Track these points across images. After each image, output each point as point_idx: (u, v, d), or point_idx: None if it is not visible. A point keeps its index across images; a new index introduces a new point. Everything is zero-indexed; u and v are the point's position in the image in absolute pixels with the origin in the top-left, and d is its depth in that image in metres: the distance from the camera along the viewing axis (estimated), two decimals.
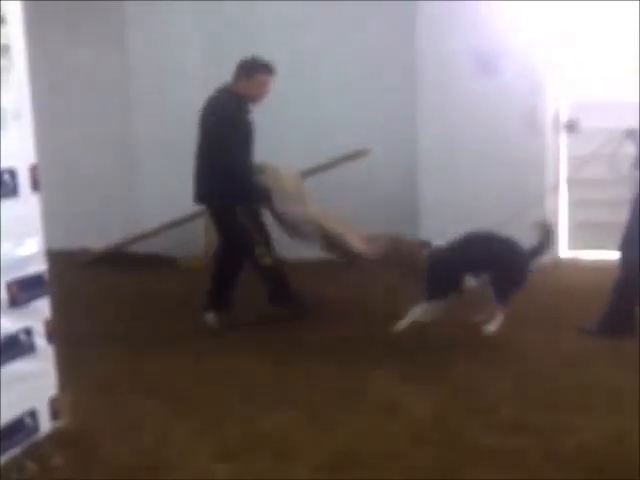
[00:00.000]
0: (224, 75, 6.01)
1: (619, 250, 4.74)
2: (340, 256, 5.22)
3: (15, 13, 3.27)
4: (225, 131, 4.91)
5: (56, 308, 3.53)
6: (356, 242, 5.01)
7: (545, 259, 6.19)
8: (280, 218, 5.16)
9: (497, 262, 4.60)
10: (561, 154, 6.67)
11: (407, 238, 4.99)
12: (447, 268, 4.63)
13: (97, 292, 6.15)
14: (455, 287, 4.66)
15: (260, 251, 5.09)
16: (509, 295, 4.62)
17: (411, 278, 4.73)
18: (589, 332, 4.68)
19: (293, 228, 5.17)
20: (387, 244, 4.85)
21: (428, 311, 4.61)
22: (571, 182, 6.46)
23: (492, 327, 4.57)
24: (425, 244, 4.87)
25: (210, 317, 5.14)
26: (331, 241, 5.09)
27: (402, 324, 4.58)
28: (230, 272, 5.20)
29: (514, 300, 4.68)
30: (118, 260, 6.85)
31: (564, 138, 6.67)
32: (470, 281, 4.67)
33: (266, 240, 5.15)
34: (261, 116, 5.90)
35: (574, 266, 6.53)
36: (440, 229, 5.11)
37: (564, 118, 6.63)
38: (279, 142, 6.76)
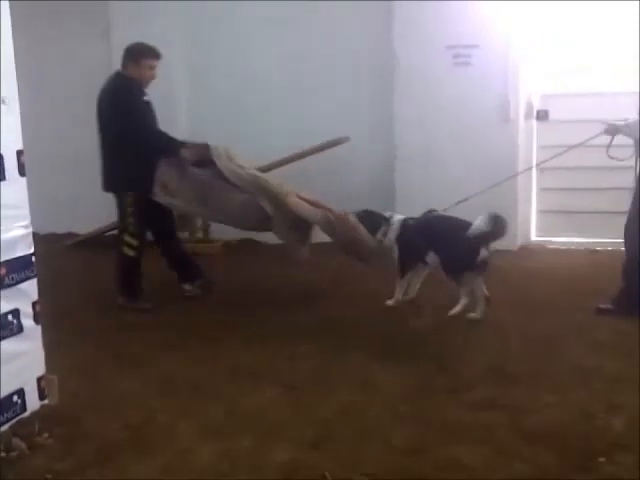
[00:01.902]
0: (206, 71, 6.08)
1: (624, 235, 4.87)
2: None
3: (2, 6, 3.33)
4: (127, 108, 5.08)
5: (42, 289, 3.61)
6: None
7: (512, 245, 6.42)
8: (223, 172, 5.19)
9: (446, 243, 4.85)
10: (532, 142, 6.84)
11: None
12: (413, 246, 5.04)
13: (82, 274, 6.24)
14: (418, 263, 5.09)
15: (127, 240, 5.25)
16: (458, 275, 4.85)
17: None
18: (609, 312, 4.81)
19: (236, 180, 5.18)
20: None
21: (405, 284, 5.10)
22: (540, 169, 6.64)
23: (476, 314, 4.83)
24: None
25: (186, 286, 5.61)
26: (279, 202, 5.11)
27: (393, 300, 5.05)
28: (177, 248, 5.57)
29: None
30: (102, 243, 6.91)
31: (535, 127, 6.84)
32: (432, 258, 4.97)
33: (140, 230, 5.29)
34: (248, 107, 6.00)
35: (541, 251, 6.72)
36: (415, 209, 5.29)
37: (535, 108, 6.80)
38: (265, 130, 6.90)
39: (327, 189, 5.96)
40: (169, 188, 5.17)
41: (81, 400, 3.74)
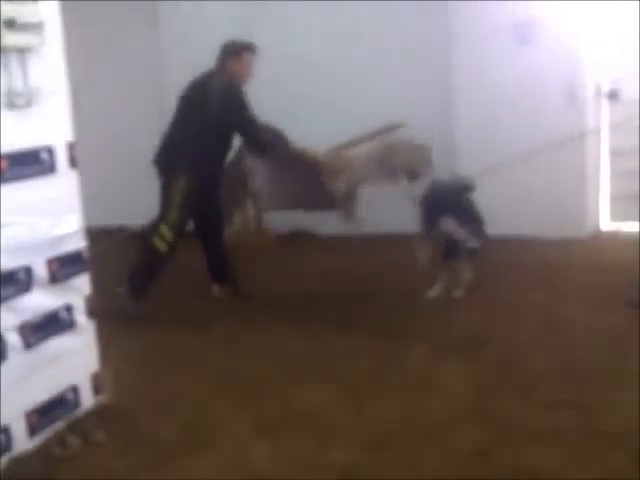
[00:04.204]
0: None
1: None
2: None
3: None
4: (242, 108, 4.89)
5: (95, 285, 3.56)
6: None
7: (582, 233, 6.15)
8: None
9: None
10: (602, 124, 6.53)
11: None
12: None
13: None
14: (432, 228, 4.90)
15: (161, 231, 4.85)
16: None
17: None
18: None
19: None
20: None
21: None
22: (613, 152, 6.33)
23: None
24: None
25: (215, 288, 5.32)
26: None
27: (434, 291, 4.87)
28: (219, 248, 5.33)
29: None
30: None
31: (605, 108, 6.52)
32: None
33: (181, 226, 4.97)
34: (297, 91, 5.81)
35: (615, 238, 6.41)
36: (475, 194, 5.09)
37: (605, 88, 6.48)
38: (316, 117, 6.75)
39: None
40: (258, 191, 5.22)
41: (135, 397, 3.68)
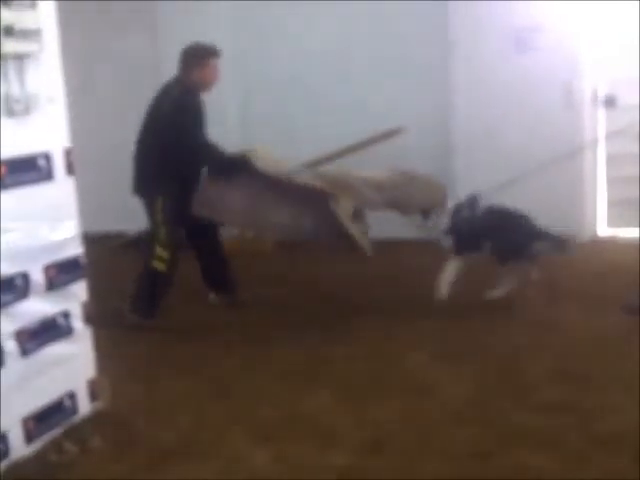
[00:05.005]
0: (253, 57, 6.00)
1: None
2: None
3: (47, 4, 3.25)
4: (191, 128, 4.75)
5: (92, 291, 3.56)
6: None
7: (580, 238, 6.16)
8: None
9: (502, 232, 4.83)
10: (599, 130, 6.54)
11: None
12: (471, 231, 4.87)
13: (130, 275, 6.20)
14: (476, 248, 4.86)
15: (157, 252, 4.78)
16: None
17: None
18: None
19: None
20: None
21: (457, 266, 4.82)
22: (610, 158, 6.34)
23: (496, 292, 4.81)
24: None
25: (211, 295, 5.28)
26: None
27: (442, 289, 4.76)
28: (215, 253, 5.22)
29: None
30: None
31: (602, 114, 6.53)
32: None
33: (173, 241, 4.85)
34: (296, 93, 5.77)
35: (612, 244, 6.42)
36: None
37: (602, 94, 6.49)
38: (315, 119, 6.76)
39: None
40: (213, 204, 4.88)
41: (132, 403, 3.68)
